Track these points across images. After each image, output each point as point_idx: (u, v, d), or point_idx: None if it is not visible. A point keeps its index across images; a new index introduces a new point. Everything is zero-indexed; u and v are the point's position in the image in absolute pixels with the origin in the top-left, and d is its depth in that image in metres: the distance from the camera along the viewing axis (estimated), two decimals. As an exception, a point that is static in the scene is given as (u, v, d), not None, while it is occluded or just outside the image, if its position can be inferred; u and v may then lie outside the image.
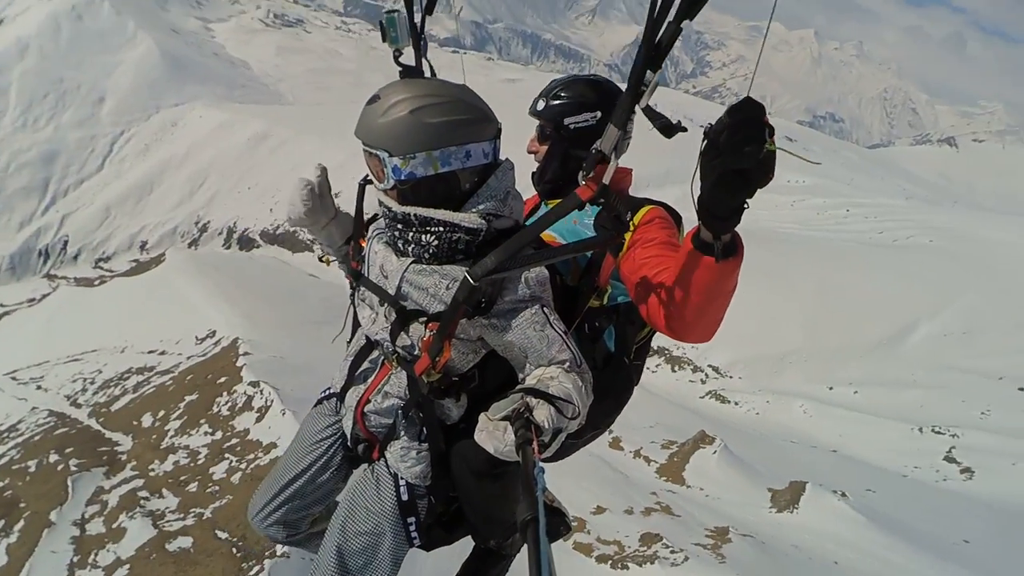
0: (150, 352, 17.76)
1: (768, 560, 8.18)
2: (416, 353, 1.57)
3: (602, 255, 1.79)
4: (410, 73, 1.71)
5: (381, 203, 1.60)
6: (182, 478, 10.05)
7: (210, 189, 54.05)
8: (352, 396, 1.77)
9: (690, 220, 1.51)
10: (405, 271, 1.57)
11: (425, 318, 1.54)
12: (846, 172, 61.57)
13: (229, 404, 12.24)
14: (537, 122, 1.97)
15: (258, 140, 55.99)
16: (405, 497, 1.71)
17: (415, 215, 1.52)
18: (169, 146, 59.73)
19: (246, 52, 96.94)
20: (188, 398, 13.15)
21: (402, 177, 1.51)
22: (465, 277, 1.44)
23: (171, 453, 11.05)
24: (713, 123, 1.14)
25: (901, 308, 23.06)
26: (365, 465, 1.81)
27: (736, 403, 20.69)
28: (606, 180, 1.39)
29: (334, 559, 1.70)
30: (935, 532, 10.11)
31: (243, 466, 10.15)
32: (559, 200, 1.85)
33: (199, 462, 10.62)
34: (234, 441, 11.07)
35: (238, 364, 13.61)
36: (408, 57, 1.76)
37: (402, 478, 1.72)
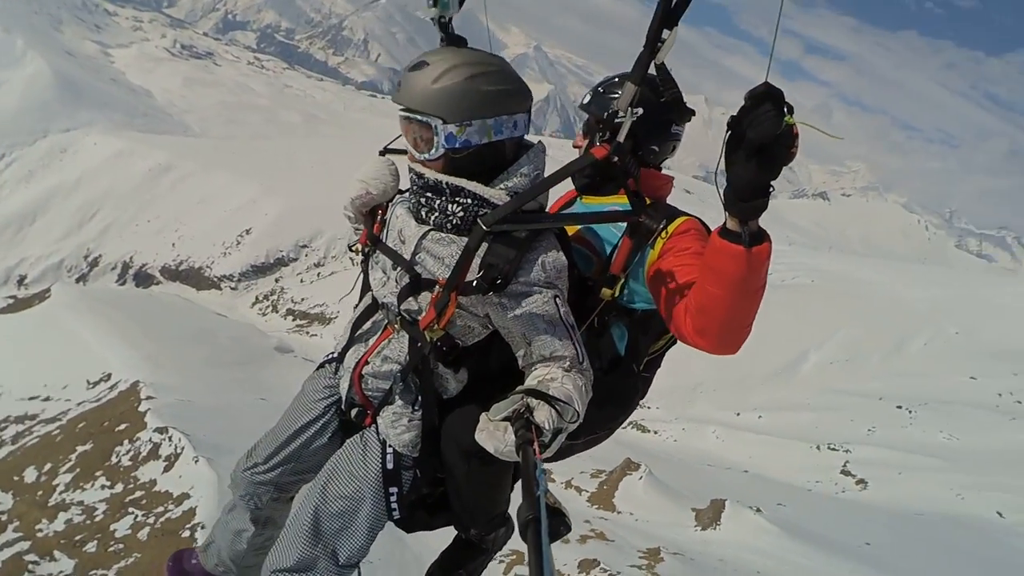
0: (31, 398, 15.76)
1: (698, 575, 8.57)
2: (421, 316, 1.56)
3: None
4: (453, 42, 1.64)
5: (411, 170, 1.59)
6: (77, 538, 8.96)
7: (103, 221, 49.47)
8: (351, 357, 1.73)
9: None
10: (423, 237, 1.57)
11: (437, 288, 1.51)
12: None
13: (131, 453, 11.15)
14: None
15: (160, 172, 52.46)
16: (390, 465, 1.67)
17: (447, 183, 1.50)
18: (57, 174, 54.12)
19: (149, 80, 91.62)
20: (80, 448, 11.84)
21: (456, 145, 1.48)
22: (477, 223, 1.44)
23: (62, 511, 9.84)
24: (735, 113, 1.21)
25: (793, 341, 25.34)
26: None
27: (655, 432, 21.57)
28: (620, 138, 1.46)
29: (310, 520, 1.66)
30: (840, 538, 11.05)
31: (151, 520, 9.22)
32: (596, 197, 1.93)
33: (96, 519, 9.53)
34: (139, 494, 10.06)
35: (141, 409, 12.45)
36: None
37: (390, 446, 1.67)
